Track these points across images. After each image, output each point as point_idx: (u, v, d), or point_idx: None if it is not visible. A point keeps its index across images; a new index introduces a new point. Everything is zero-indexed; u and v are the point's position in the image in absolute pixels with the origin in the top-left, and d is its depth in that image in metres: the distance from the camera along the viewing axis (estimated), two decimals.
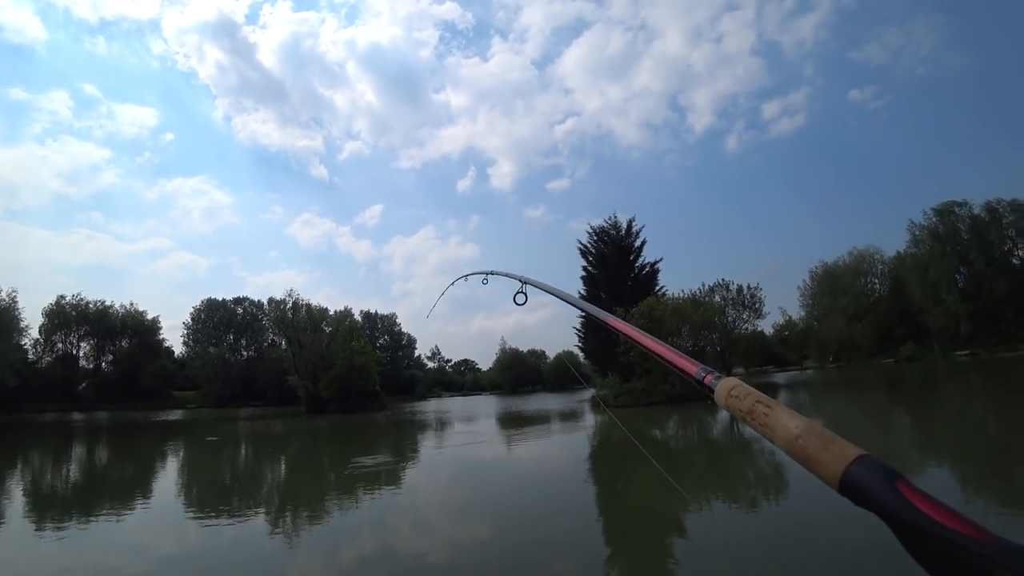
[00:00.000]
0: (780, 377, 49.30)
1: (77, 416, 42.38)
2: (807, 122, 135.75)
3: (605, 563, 6.13)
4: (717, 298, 43.40)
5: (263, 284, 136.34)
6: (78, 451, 20.02)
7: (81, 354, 61.66)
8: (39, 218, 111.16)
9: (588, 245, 42.85)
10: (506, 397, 70.32)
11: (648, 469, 12.82)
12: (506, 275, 2.01)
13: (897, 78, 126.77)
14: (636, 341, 1.00)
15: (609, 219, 43.17)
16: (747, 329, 44.88)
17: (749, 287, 44.49)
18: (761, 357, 59.65)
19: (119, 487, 12.41)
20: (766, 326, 58.96)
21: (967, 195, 55.28)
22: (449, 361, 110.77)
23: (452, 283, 2.84)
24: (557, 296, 1.53)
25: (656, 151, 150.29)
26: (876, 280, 63.93)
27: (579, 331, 42.96)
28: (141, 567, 6.06)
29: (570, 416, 33.69)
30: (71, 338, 60.83)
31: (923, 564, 0.27)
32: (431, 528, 8.04)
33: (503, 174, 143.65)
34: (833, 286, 63.36)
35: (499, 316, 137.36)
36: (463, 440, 21.77)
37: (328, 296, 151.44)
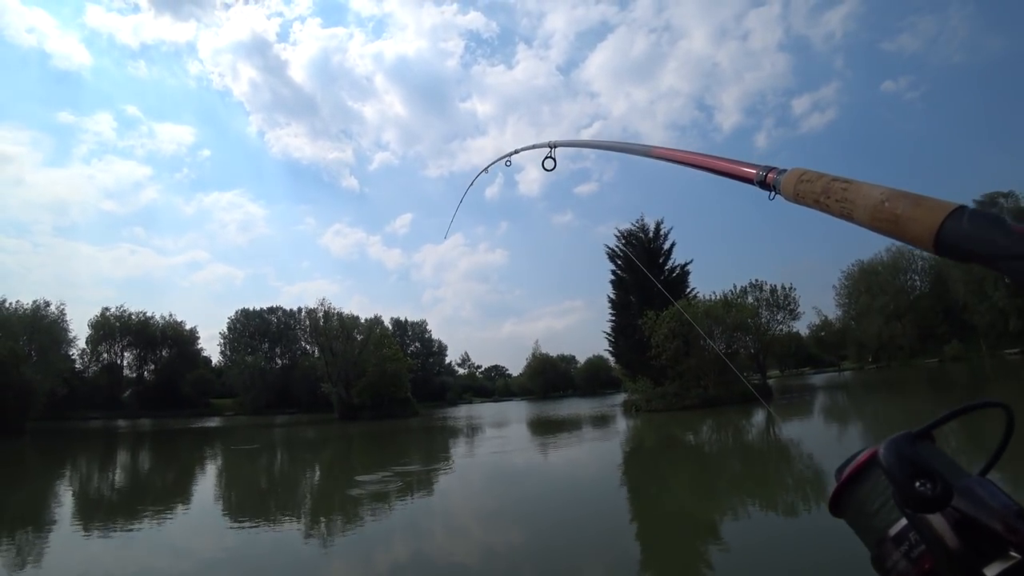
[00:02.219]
0: (817, 379, 47.70)
1: (122, 423, 43.91)
2: (838, 116, 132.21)
3: (638, 567, 6.04)
4: (750, 299, 41.87)
5: (296, 293, 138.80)
6: (123, 457, 20.70)
7: (124, 363, 63.96)
8: (86, 234, 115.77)
9: (616, 249, 42.49)
10: (537, 402, 70.08)
11: (681, 474, 12.60)
12: (532, 147, 1.89)
13: (932, 67, 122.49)
14: (682, 162, 0.94)
15: (637, 222, 42.76)
16: (782, 330, 43.40)
17: (783, 287, 42.48)
18: (797, 359, 57.94)
19: (161, 492, 12.77)
20: (801, 327, 57.02)
21: (1011, 186, 53.05)
22: (479, 367, 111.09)
23: (473, 181, 2.70)
24: (591, 147, 1.42)
25: None
26: (916, 277, 61.56)
27: (609, 335, 42.55)
28: (183, 569, 6.21)
29: (602, 421, 33.34)
30: (115, 348, 63.21)
31: None
32: (464, 532, 8.05)
33: (531, 180, 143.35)
34: (871, 284, 61.28)
35: (529, 321, 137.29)
36: (494, 447, 21.75)
37: (360, 304, 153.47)
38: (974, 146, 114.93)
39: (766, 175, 0.63)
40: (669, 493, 10.19)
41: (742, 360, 37.76)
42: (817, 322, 65.99)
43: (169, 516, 9.47)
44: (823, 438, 15.70)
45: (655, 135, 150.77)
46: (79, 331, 50.20)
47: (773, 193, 0.62)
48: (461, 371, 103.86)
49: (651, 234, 41.73)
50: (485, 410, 59.98)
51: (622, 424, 29.62)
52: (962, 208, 0.34)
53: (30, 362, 34.93)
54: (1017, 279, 0.30)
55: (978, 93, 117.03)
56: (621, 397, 45.07)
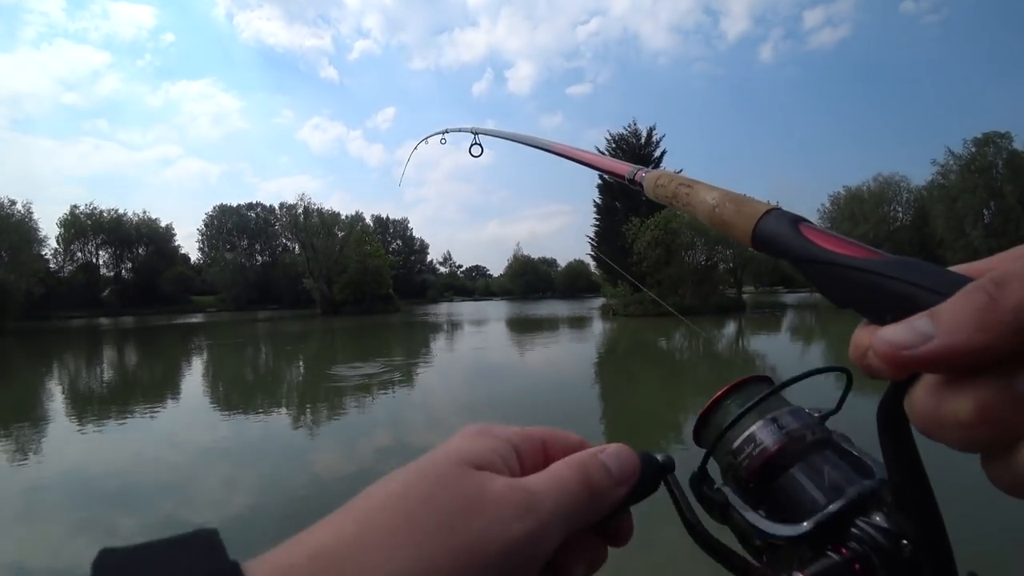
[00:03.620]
0: (789, 298, 48.53)
1: (104, 321, 44.15)
2: (851, 34, 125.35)
3: None
4: None
5: (275, 190, 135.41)
6: (109, 354, 21.04)
7: (101, 262, 63.04)
8: (44, 128, 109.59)
9: (605, 152, 41.66)
10: (517, 303, 71.60)
11: (651, 377, 13.31)
12: (459, 130, 1.95)
13: None
14: (565, 155, 1.05)
15: (629, 126, 41.68)
16: None
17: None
18: (773, 277, 59.10)
19: (151, 386, 13.16)
20: None
21: (1014, 126, 51.73)
22: (460, 267, 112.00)
23: (415, 147, 2.75)
24: (514, 140, 1.43)
25: (684, 58, 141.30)
26: (900, 209, 61.34)
27: (592, 240, 42.90)
28: (179, 458, 6.60)
29: (579, 323, 34.40)
30: (89, 247, 61.96)
31: (827, 295, 0.29)
32: (442, 423, 8.56)
33: (521, 77, 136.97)
34: (854, 211, 61.32)
35: (512, 223, 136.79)
36: (475, 343, 22.51)
37: (341, 201, 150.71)
38: (984, 81, 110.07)
39: (635, 174, 0.72)
40: (638, 393, 10.80)
41: (720, 274, 38.45)
42: None
43: (160, 409, 9.84)
44: (786, 352, 16.64)
45: (656, 38, 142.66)
46: (49, 231, 48.96)
47: (641, 188, 0.69)
48: (443, 270, 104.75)
49: (642, 139, 40.85)
50: (465, 308, 61.20)
51: (599, 326, 30.65)
52: (771, 211, 0.37)
53: (2, 262, 34.28)
54: (808, 279, 0.32)
55: (998, 26, 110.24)
56: (599, 302, 46.21)
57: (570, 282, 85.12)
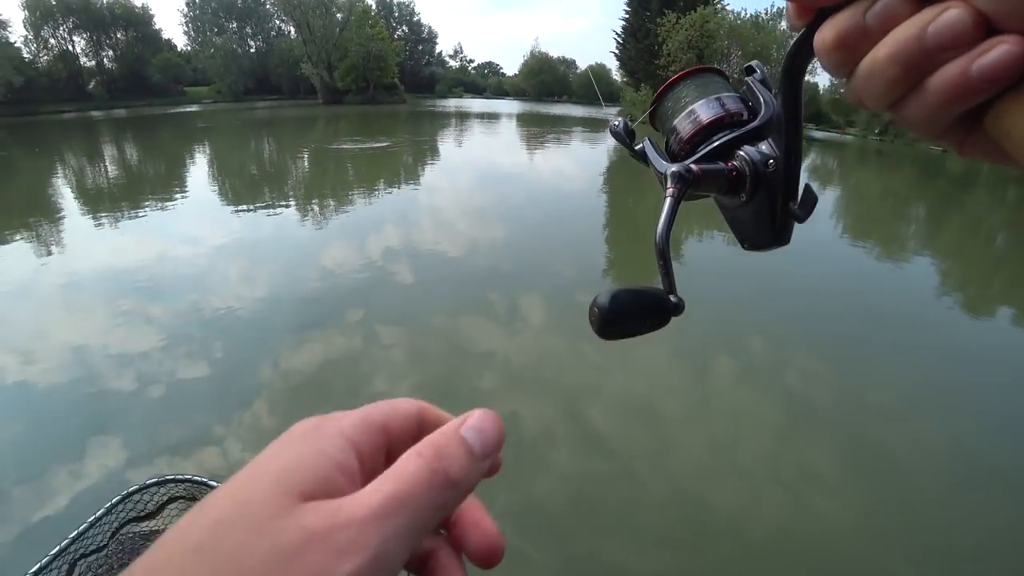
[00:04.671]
0: (818, 134, 43.09)
1: (96, 114, 42.61)
2: None
3: (602, 272, 6.75)
4: (784, 25, 36.11)
5: None
6: (109, 148, 20.58)
7: (79, 50, 58.52)
8: None
9: None
10: (530, 103, 67.67)
11: (658, 191, 12.98)
12: None
13: None
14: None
15: None
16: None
17: None
18: (806, 112, 53.34)
19: (157, 181, 13.10)
20: (823, 80, 51.38)
21: None
22: (472, 61, 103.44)
23: None
24: None
25: None
26: None
27: (618, 36, 38.82)
28: (201, 253, 6.84)
29: (593, 124, 32.75)
30: (61, 32, 56.91)
31: None
32: (449, 226, 8.68)
33: None
34: None
35: (533, 15, 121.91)
36: (484, 132, 21.79)
37: None
38: None
39: None
40: (644, 206, 10.66)
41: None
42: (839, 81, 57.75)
43: (171, 204, 9.90)
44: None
45: None
46: (11, 16, 44.55)
47: None
48: (453, 64, 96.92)
49: None
50: (476, 104, 58.22)
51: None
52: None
53: None
54: None
55: None
56: (617, 110, 43.30)
57: (589, 87, 78.92)
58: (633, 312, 0.38)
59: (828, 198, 13.97)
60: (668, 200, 0.43)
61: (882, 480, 3.10)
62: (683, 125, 0.48)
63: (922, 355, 4.79)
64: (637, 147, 0.51)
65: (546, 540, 2.58)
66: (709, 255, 7.60)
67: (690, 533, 2.71)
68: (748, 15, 34.18)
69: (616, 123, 0.50)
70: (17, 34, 47.66)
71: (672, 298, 0.39)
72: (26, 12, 53.02)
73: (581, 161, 17.21)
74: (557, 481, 2.96)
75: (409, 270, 6.29)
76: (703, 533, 2.70)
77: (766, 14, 34.25)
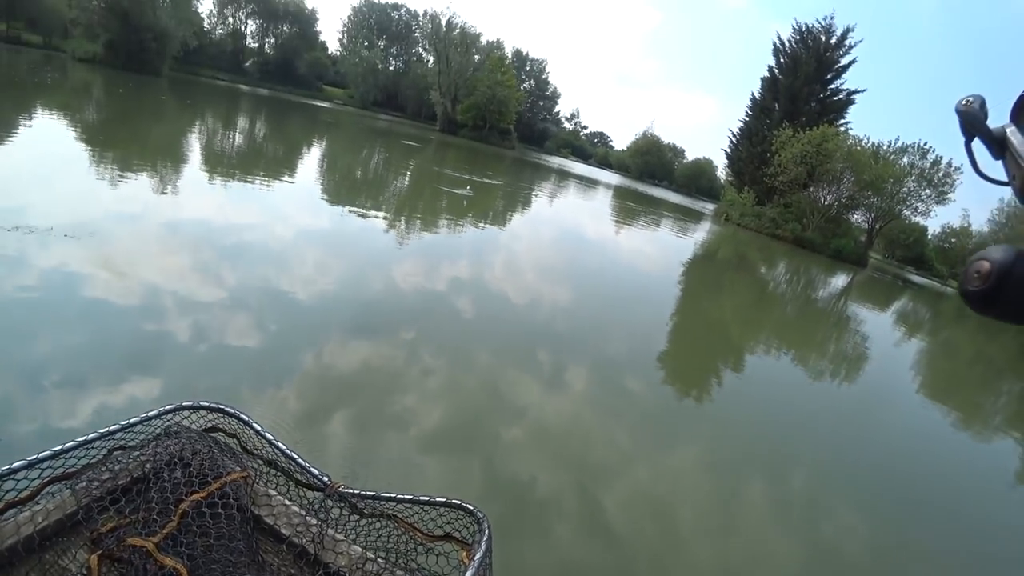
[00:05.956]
0: (916, 278, 39.41)
1: (243, 87, 47.02)
2: None
3: (655, 360, 6.56)
4: (905, 161, 31.97)
5: None
6: (242, 121, 22.51)
7: (248, 32, 65.37)
8: None
9: (786, 43, 36.37)
10: (630, 179, 68.73)
11: (739, 298, 12.71)
12: None
13: None
14: None
15: (825, 19, 35.61)
16: (914, 212, 33.18)
17: (949, 163, 30.82)
18: (906, 254, 48.93)
19: (272, 161, 14.09)
20: (935, 225, 47.84)
21: None
22: (586, 128, 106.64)
23: None
24: None
25: None
26: None
27: (733, 136, 39.22)
28: (287, 235, 7.25)
29: (687, 214, 32.67)
30: (240, 14, 64.03)
31: None
32: (519, 273, 8.78)
33: None
34: None
35: (654, 95, 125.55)
36: (575, 199, 22.11)
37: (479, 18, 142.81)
38: None
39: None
40: (717, 309, 10.41)
41: (850, 224, 33.53)
42: (956, 227, 52.02)
43: (276, 185, 10.61)
44: (886, 331, 14.16)
45: None
46: None
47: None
48: (567, 125, 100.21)
49: (833, 39, 34.75)
50: (578, 167, 59.73)
51: (706, 226, 29.13)
52: None
53: (165, 10, 36.14)
54: None
55: None
56: (715, 206, 43.09)
57: (691, 179, 78.78)
58: None
59: (911, 347, 13.12)
60: None
61: None
62: None
63: (975, 538, 4.29)
64: (996, 130, 0.44)
65: None
66: (768, 372, 7.25)
67: None
68: (871, 143, 32.93)
69: (970, 98, 0.44)
70: (205, 7, 54.05)
71: None
72: None
73: (665, 246, 17.08)
74: (550, 551, 2.82)
75: (470, 304, 6.37)
76: None
77: (888, 146, 32.54)
